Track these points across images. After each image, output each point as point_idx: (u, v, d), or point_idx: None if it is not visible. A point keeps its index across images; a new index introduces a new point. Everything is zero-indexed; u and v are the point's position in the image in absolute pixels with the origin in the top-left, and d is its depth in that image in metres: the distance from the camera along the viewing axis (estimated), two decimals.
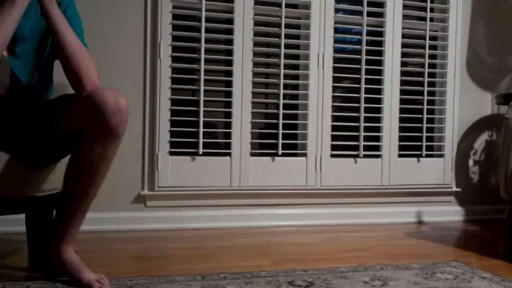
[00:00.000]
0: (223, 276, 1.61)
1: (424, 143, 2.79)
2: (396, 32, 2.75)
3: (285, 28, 2.56)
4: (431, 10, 2.81)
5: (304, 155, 2.62)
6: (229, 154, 2.52)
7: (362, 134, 2.69)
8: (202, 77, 2.44)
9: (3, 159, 1.42)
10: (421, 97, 2.80)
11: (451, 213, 2.87)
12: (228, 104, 2.52)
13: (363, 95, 2.68)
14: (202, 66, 2.44)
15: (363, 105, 2.68)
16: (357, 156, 2.70)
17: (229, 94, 2.52)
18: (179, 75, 2.44)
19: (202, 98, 2.43)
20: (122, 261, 1.85)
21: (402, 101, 2.79)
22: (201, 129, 2.43)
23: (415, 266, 1.79)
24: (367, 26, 2.70)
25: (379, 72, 2.74)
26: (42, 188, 1.52)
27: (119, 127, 1.35)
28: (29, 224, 1.69)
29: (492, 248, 2.21)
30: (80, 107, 1.37)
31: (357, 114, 2.69)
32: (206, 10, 2.45)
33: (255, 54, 2.54)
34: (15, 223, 2.01)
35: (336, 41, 2.68)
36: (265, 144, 2.61)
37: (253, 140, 2.55)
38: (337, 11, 2.68)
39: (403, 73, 2.79)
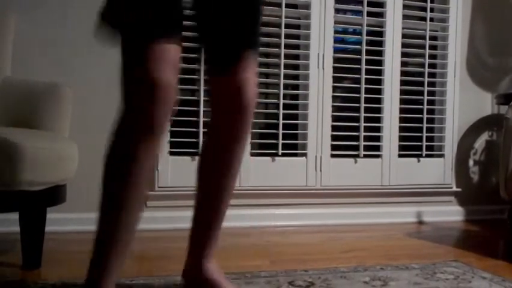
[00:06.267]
0: None
1: (424, 143, 2.79)
2: (396, 32, 2.75)
3: (285, 28, 2.56)
4: (431, 10, 2.81)
5: (305, 155, 2.62)
6: None
7: (362, 134, 2.68)
8: (202, 77, 2.43)
9: None
10: (421, 97, 2.79)
11: (451, 213, 2.87)
12: None
13: (363, 95, 2.68)
14: (202, 66, 2.43)
15: (363, 105, 2.68)
16: (357, 156, 2.70)
17: None
18: (179, 75, 2.43)
19: (202, 98, 2.43)
20: None
21: (402, 101, 2.78)
22: (201, 129, 2.43)
23: (415, 266, 1.79)
24: (367, 26, 2.70)
25: (379, 72, 2.74)
26: (34, 181, 1.50)
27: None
28: (23, 223, 1.67)
29: (492, 248, 2.21)
30: None
31: (357, 114, 2.69)
32: None
33: None
34: (11, 223, 2.00)
35: (336, 41, 2.68)
36: (265, 144, 2.61)
37: (253, 140, 2.54)
38: (337, 11, 2.68)
39: (403, 73, 2.79)
